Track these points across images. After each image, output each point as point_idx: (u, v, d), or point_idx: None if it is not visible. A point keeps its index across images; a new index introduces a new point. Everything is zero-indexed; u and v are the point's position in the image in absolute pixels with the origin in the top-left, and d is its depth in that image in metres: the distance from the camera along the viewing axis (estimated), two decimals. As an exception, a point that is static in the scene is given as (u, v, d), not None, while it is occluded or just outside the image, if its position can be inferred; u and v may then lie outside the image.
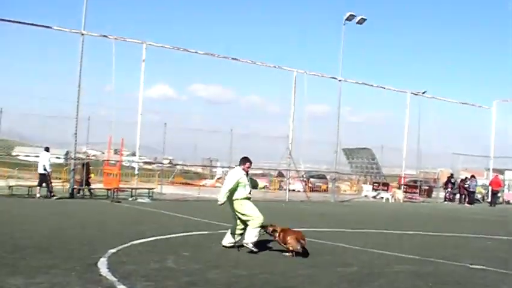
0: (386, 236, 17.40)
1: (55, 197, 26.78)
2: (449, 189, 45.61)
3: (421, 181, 47.97)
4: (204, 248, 12.53)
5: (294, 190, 43.30)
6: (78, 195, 29.02)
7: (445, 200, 45.57)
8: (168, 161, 40.60)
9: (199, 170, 64.61)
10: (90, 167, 32.14)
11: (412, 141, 43.69)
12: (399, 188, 44.96)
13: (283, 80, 37.52)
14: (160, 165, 41.97)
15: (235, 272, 9.66)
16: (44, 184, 27.18)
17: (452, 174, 46.35)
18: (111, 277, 8.59)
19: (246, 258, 11.30)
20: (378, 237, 16.92)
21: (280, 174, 51.70)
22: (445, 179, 47.77)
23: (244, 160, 12.72)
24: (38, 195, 26.72)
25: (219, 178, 55.91)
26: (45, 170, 27.04)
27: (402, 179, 45.15)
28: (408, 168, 45.35)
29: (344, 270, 10.49)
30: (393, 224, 21.72)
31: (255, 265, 10.50)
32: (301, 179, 45.43)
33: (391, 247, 14.01)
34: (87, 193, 29.71)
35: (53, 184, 27.91)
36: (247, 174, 12.68)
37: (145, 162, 32.29)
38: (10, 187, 27.53)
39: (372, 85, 41.86)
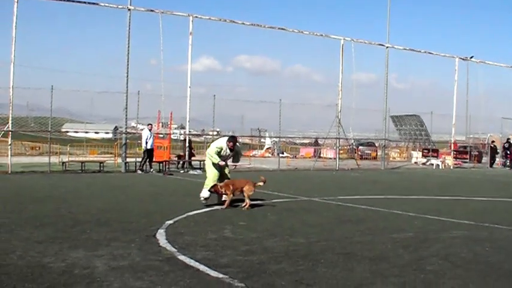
0: (438, 202, 17.20)
1: (140, 172, 27.75)
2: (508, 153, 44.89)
3: (470, 147, 47.22)
4: (259, 217, 12.55)
5: (326, 158, 43.14)
6: (181, 170, 30.07)
7: (504, 166, 44.97)
8: (216, 132, 40.65)
9: (246, 140, 64.82)
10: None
11: (460, 106, 43.12)
12: (449, 154, 44.44)
13: (329, 49, 37.28)
14: (208, 137, 42.16)
15: (292, 241, 9.66)
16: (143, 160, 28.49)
17: (508, 139, 45.45)
18: (170, 248, 8.68)
19: (301, 227, 11.29)
20: (430, 203, 16.73)
21: (316, 143, 51.60)
22: (500, 145, 47.11)
23: (230, 139, 14.84)
24: (151, 170, 28.33)
25: (268, 148, 56.04)
26: (146, 144, 28.24)
27: (452, 145, 44.60)
28: (457, 134, 44.70)
29: (399, 236, 10.42)
30: (444, 190, 21.48)
31: (311, 233, 10.48)
32: (349, 147, 45.22)
33: (444, 213, 13.89)
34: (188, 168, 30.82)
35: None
36: (231, 150, 14.73)
37: (194, 135, 32.34)
38: (63, 163, 27.95)
39: (419, 51, 41.25)
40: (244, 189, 14.03)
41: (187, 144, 31.21)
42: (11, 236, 9.45)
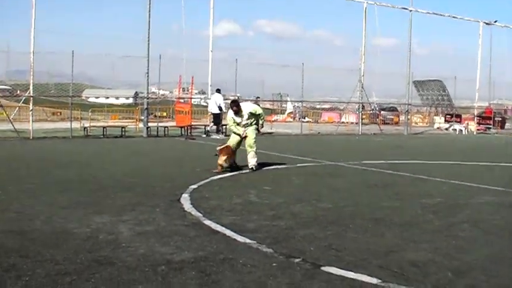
0: (464, 167, 16.91)
1: (219, 137, 27.64)
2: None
3: (494, 112, 46.66)
4: (285, 182, 12.41)
5: (348, 122, 42.85)
6: (203, 134, 30.10)
7: None
8: (237, 97, 40.39)
9: (268, 105, 64.51)
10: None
11: (483, 72, 42.55)
12: (472, 119, 44.00)
13: (351, 13, 36.98)
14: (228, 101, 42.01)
15: (320, 206, 9.50)
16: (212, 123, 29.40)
17: None
18: (195, 212, 8.55)
19: (328, 192, 11.16)
20: (457, 168, 16.46)
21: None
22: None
23: (231, 103, 15.07)
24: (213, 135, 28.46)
25: (290, 113, 55.81)
26: (220, 109, 28.72)
27: (475, 110, 44.15)
28: (480, 99, 44.20)
29: (428, 201, 10.20)
30: (469, 156, 21.14)
31: (339, 198, 10.32)
32: (371, 112, 44.92)
33: (472, 178, 13.62)
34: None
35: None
36: (236, 113, 14.52)
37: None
38: (85, 128, 27.92)
39: (442, 15, 40.65)
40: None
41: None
42: (35, 201, 9.36)
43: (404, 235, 7.45)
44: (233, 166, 14.12)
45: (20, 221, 7.75)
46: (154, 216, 8.22)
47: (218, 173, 13.35)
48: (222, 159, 13.79)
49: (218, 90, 30.06)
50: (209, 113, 30.57)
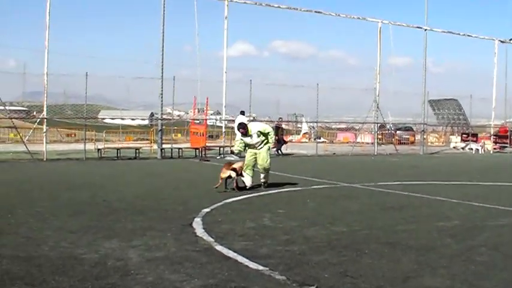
0: (481, 188, 16.64)
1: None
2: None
3: (510, 131, 46.18)
4: (299, 205, 12.23)
5: (363, 143, 42.63)
6: (217, 156, 29.99)
7: None
8: (252, 118, 40.38)
9: (283, 125, 64.41)
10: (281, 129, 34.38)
11: (499, 90, 42.31)
12: (488, 138, 43.64)
13: (365, 32, 36.86)
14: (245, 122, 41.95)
15: (334, 229, 9.30)
16: None
17: None
18: (207, 237, 8.37)
19: (343, 214, 10.95)
20: (473, 189, 16.17)
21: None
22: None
23: (238, 126, 15.39)
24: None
25: (305, 133, 55.67)
26: None
27: (492, 129, 43.78)
28: (496, 118, 43.88)
29: (445, 224, 9.99)
30: (486, 176, 20.82)
31: (353, 221, 10.11)
32: (387, 132, 44.70)
33: (489, 199, 13.36)
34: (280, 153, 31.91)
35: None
36: (244, 135, 14.79)
37: (230, 120, 32.13)
38: (99, 150, 27.85)
39: (458, 34, 40.49)
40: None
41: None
42: (44, 225, 9.24)
43: (421, 260, 7.23)
44: (239, 187, 14.21)
45: (28, 246, 7.61)
46: (165, 242, 8.05)
47: (217, 187, 13.78)
48: (224, 173, 13.91)
49: (242, 112, 30.16)
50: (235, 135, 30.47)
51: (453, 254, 7.61)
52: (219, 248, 7.69)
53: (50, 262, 6.78)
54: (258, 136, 14.59)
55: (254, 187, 14.49)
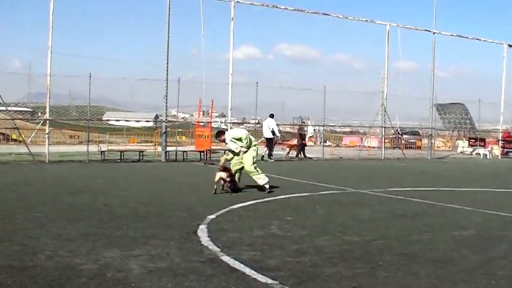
0: (494, 194, 16.26)
1: (272, 161, 28.70)
2: None
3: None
4: (308, 211, 11.82)
5: (370, 147, 42.25)
6: (296, 158, 31.95)
7: None
8: (257, 121, 40.03)
9: (288, 129, 64.00)
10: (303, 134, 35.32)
11: (508, 94, 41.93)
12: (496, 143, 43.25)
13: (372, 36, 36.51)
14: (249, 125, 41.59)
15: (346, 239, 8.89)
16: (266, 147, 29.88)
17: None
18: (213, 247, 7.97)
19: (354, 223, 10.53)
20: (486, 196, 15.80)
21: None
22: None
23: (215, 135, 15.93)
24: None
25: (310, 137, 55.26)
26: (273, 134, 29.97)
27: (500, 134, 43.37)
28: (505, 122, 43.52)
29: (460, 234, 9.60)
30: (496, 181, 20.43)
31: (365, 230, 9.70)
32: (394, 136, 44.32)
33: (503, 207, 12.98)
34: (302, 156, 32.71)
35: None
36: (223, 141, 15.11)
37: (235, 123, 31.74)
38: (102, 152, 27.42)
39: (466, 37, 40.04)
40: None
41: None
42: (42, 231, 8.84)
43: (439, 273, 6.85)
44: (234, 188, 14.38)
45: (23, 255, 7.21)
46: (169, 251, 7.66)
47: (216, 192, 14.02)
48: (216, 176, 14.22)
49: (271, 116, 30.58)
50: (262, 138, 30.71)
51: (472, 267, 7.23)
52: (225, 258, 7.29)
53: (46, 273, 6.39)
54: (234, 143, 14.67)
55: (249, 190, 14.20)
